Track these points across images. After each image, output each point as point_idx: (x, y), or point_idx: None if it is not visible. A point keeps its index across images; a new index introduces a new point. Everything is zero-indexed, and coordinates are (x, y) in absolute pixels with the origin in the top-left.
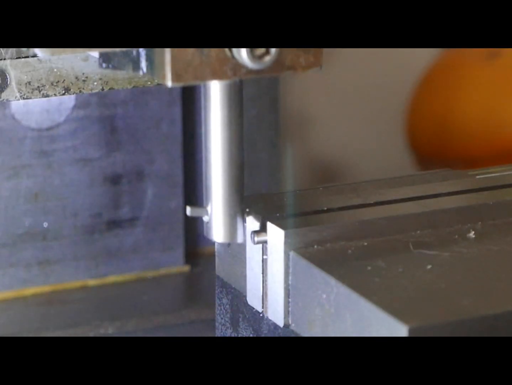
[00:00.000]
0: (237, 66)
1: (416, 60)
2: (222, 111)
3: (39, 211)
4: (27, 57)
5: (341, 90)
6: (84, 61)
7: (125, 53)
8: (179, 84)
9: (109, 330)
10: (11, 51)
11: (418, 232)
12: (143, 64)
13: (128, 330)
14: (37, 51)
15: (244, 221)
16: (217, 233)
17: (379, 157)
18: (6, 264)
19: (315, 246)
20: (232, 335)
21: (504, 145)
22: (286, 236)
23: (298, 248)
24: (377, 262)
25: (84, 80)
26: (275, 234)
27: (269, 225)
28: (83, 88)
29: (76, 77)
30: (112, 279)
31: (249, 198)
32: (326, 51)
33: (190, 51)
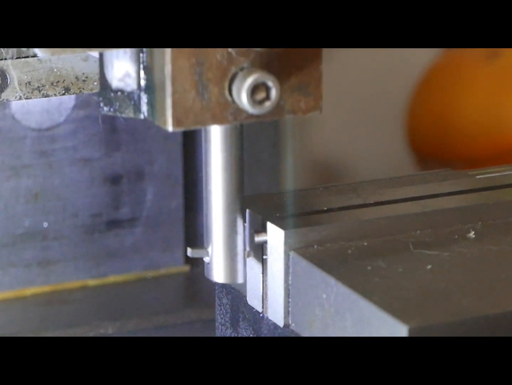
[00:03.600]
0: (238, 111)
1: (416, 60)
2: (222, 155)
3: (39, 211)
4: (27, 57)
5: (341, 90)
6: (84, 61)
7: (126, 97)
8: (180, 129)
9: (109, 330)
10: (12, 51)
11: (418, 232)
12: (144, 108)
13: (128, 330)
14: (37, 51)
15: (244, 262)
16: (218, 274)
17: (379, 157)
18: (6, 264)
19: (315, 246)
20: (232, 335)
21: (504, 145)
22: (286, 236)
23: (298, 248)
24: (377, 262)
25: (84, 80)
26: (275, 234)
27: (269, 225)
28: (83, 88)
29: (76, 77)
30: (112, 279)
31: (249, 198)
32: (326, 51)
33: (191, 96)
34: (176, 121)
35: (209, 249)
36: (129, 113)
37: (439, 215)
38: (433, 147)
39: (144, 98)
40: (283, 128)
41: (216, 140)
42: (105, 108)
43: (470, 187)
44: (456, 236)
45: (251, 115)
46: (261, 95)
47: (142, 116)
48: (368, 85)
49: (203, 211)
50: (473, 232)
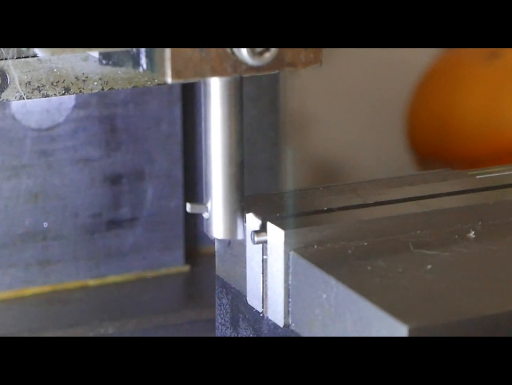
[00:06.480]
0: (237, 63)
1: (416, 60)
2: (222, 108)
3: (39, 211)
4: (27, 57)
5: (341, 90)
6: (84, 61)
7: (125, 50)
8: (179, 81)
9: (109, 330)
10: (12, 51)
11: (418, 232)
12: (143, 61)
13: (128, 330)
14: (37, 51)
15: (244, 217)
16: (217, 229)
17: (379, 157)
18: (6, 264)
19: (315, 246)
20: (232, 335)
21: (504, 145)
22: (286, 236)
23: (298, 248)
24: (377, 262)
25: (84, 80)
26: (275, 234)
27: (269, 225)
28: (83, 88)
29: (76, 77)
30: (112, 279)
31: (249, 198)
32: (326, 51)
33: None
34: (176, 73)
35: (208, 205)
36: (128, 66)
37: (439, 215)
38: (433, 147)
39: (143, 51)
40: (283, 128)
41: (215, 93)
42: (104, 61)
43: (470, 187)
44: (456, 236)
45: (250, 67)
46: None
47: (141, 69)
48: (368, 85)
49: (203, 166)
50: (473, 232)
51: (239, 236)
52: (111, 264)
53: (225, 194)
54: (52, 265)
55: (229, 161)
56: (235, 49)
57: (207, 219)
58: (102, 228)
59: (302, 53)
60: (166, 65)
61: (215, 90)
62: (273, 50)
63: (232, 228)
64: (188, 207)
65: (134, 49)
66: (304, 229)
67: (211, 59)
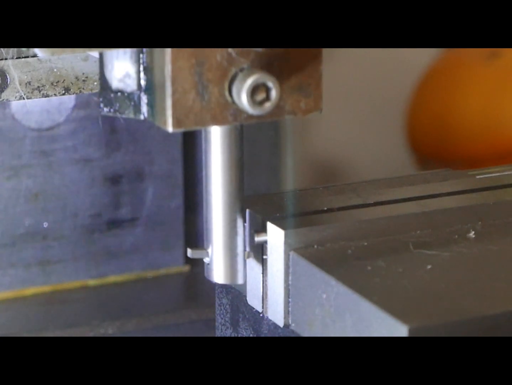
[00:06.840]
0: (238, 111)
1: (416, 60)
2: (222, 156)
3: (39, 211)
4: (27, 57)
5: (341, 90)
6: (84, 61)
7: (126, 98)
8: (180, 130)
9: (109, 330)
10: (12, 51)
11: (418, 232)
12: (144, 109)
13: (128, 330)
14: (37, 51)
15: (244, 262)
16: (218, 274)
17: (379, 157)
18: (6, 264)
19: (315, 246)
20: (232, 335)
21: (504, 145)
22: (286, 236)
23: (298, 248)
24: (377, 262)
25: (84, 80)
26: (275, 234)
27: (269, 225)
28: (83, 88)
29: (76, 77)
30: (112, 279)
31: (249, 198)
32: (326, 51)
33: (191, 96)
34: (176, 122)
35: (209, 250)
36: (129, 114)
37: (439, 215)
38: (433, 147)
39: (144, 99)
40: (283, 128)
41: (216, 141)
42: (105, 109)
43: (470, 187)
44: (456, 236)
45: (251, 116)
46: (261, 96)
47: (142, 117)
48: (368, 85)
49: (203, 211)
50: (473, 232)
51: (240, 281)
52: (111, 264)
53: (225, 240)
54: (52, 265)
55: (229, 208)
56: (235, 99)
57: (208, 264)
58: (102, 228)
59: (302, 101)
60: (167, 114)
61: (216, 138)
62: (273, 100)
63: (233, 273)
64: (189, 252)
65: (136, 98)
66: (304, 229)
67: (212, 108)
